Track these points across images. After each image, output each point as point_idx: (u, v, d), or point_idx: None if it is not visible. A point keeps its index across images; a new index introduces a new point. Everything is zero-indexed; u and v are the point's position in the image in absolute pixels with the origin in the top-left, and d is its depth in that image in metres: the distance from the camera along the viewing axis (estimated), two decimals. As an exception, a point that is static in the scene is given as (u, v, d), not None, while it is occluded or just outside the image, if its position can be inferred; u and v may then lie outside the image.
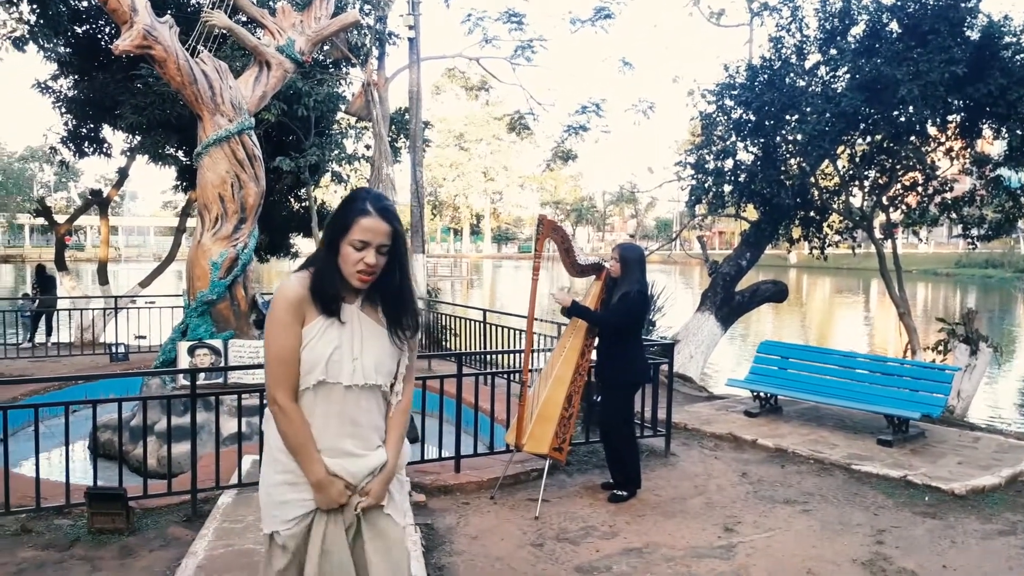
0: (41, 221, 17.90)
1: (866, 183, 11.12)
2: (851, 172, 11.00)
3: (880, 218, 11.23)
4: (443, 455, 5.90)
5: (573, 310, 5.33)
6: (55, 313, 13.83)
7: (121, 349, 10.69)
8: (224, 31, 8.22)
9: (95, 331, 13.40)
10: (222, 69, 7.68)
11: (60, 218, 18.60)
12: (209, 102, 7.47)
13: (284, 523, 2.19)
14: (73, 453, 5.08)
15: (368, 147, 16.12)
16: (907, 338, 10.60)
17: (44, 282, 14.53)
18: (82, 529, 4.55)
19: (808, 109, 9.67)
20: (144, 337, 11.71)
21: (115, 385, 7.89)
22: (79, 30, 13.42)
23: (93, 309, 13.48)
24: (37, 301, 13.70)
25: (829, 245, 11.61)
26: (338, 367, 2.14)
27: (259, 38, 8.55)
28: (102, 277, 15.98)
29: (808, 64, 10.46)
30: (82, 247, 64.07)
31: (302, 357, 2.14)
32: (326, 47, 13.74)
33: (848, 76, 9.85)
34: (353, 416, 2.19)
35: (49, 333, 13.74)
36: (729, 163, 10.92)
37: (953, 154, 10.40)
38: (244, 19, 10.37)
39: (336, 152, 14.85)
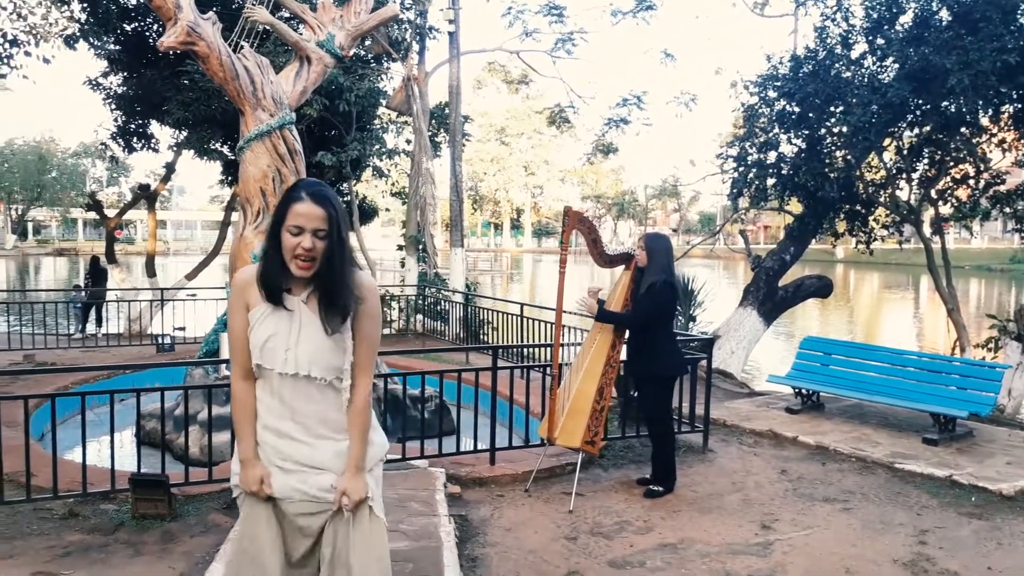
0: (93, 215, 18.39)
1: (914, 176, 10.84)
2: (898, 164, 10.73)
3: (928, 212, 10.94)
4: (478, 447, 5.91)
5: (600, 317, 5.31)
6: (104, 304, 14.19)
7: (167, 340, 10.93)
8: (266, 27, 8.32)
9: (143, 323, 13.73)
10: (263, 64, 7.78)
11: (110, 212, 19.08)
12: (251, 97, 7.57)
13: (235, 486, 2.39)
14: (119, 441, 5.20)
15: (408, 142, 16.21)
16: (956, 335, 10.32)
17: (97, 273, 14.93)
18: (126, 514, 4.67)
19: (853, 100, 9.45)
20: (183, 329, 11.94)
21: (160, 375, 8.08)
22: (128, 27, 13.73)
23: (141, 301, 13.80)
24: (87, 292, 14.08)
25: (875, 239, 11.35)
26: (272, 354, 2.21)
27: (300, 33, 8.63)
28: (150, 270, 16.36)
29: (854, 54, 10.22)
30: (133, 240, 65.71)
31: (249, 339, 2.25)
32: (367, 42, 13.85)
33: (895, 66, 9.61)
34: (292, 403, 2.25)
35: (99, 324, 14.12)
36: (772, 155, 10.74)
37: (1006, 145, 10.09)
38: (286, 15, 10.50)
39: (377, 147, 14.96)
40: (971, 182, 10.49)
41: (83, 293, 14.09)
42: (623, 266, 5.59)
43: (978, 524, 4.86)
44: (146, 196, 16.90)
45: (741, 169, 10.87)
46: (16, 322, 12.02)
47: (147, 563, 4.06)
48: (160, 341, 10.95)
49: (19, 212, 62.18)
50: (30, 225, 70.18)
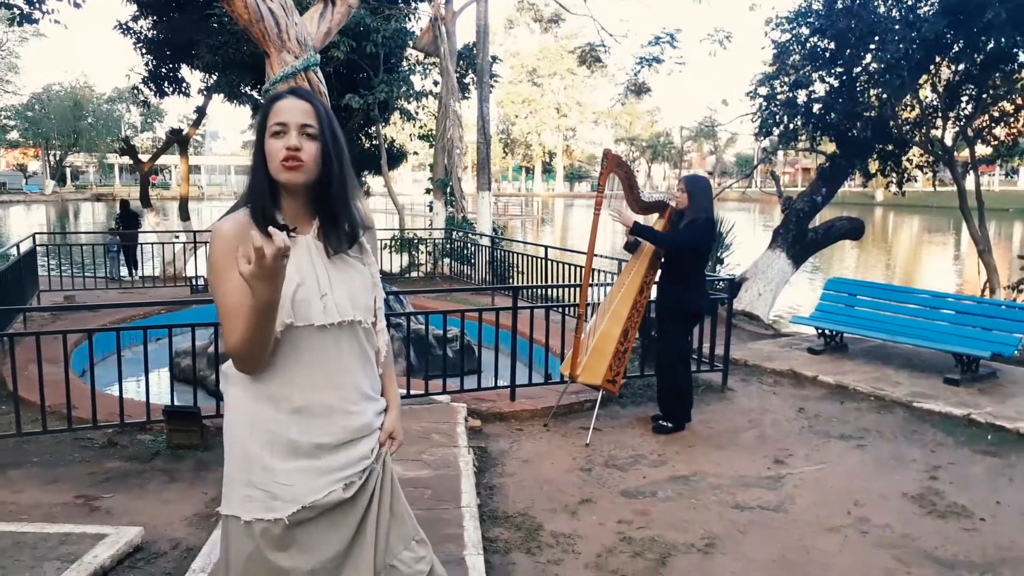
0: (127, 160, 18.69)
1: (950, 115, 10.56)
2: (934, 103, 10.46)
3: (964, 152, 10.69)
4: (499, 384, 6.06)
5: (636, 230, 5.25)
6: (138, 247, 14.51)
7: (201, 282, 11.20)
8: (289, -33, 8.28)
9: (177, 266, 14.05)
10: (287, 6, 7.77)
11: (144, 157, 19.36)
12: (276, 39, 7.60)
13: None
14: (154, 378, 5.42)
15: (436, 83, 16.12)
16: (987, 277, 10.18)
17: (127, 217, 15.23)
18: (161, 444, 4.91)
19: (889, 36, 9.19)
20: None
21: (194, 315, 8.31)
22: (155, -30, 13.76)
23: (176, 243, 14.11)
24: (118, 236, 14.40)
25: (908, 180, 11.13)
26: (305, 306, 1.75)
27: (323, -27, 8.58)
28: (183, 213, 16.67)
29: (891, -12, 9.90)
30: (168, 185, 66.56)
31: None
32: (393, -19, 13.69)
33: (932, 0, 9.29)
34: (333, 363, 1.81)
35: (134, 267, 14.45)
36: (803, 95, 10.52)
37: (1048, 82, 9.77)
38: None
39: (404, 89, 14.92)
40: (1010, 120, 10.21)
41: (115, 236, 14.41)
42: (657, 214, 5.60)
43: (992, 461, 4.90)
44: (178, 140, 17.11)
45: (771, 108, 10.67)
46: (56, 265, 12.38)
47: (182, 489, 4.29)
48: (195, 283, 11.23)
49: (57, 158, 63.17)
50: (68, 171, 71.34)
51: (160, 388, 7.04)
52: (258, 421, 1.77)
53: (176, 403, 5.21)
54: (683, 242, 5.22)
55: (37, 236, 10.73)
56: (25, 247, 9.66)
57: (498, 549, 3.61)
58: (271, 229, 1.52)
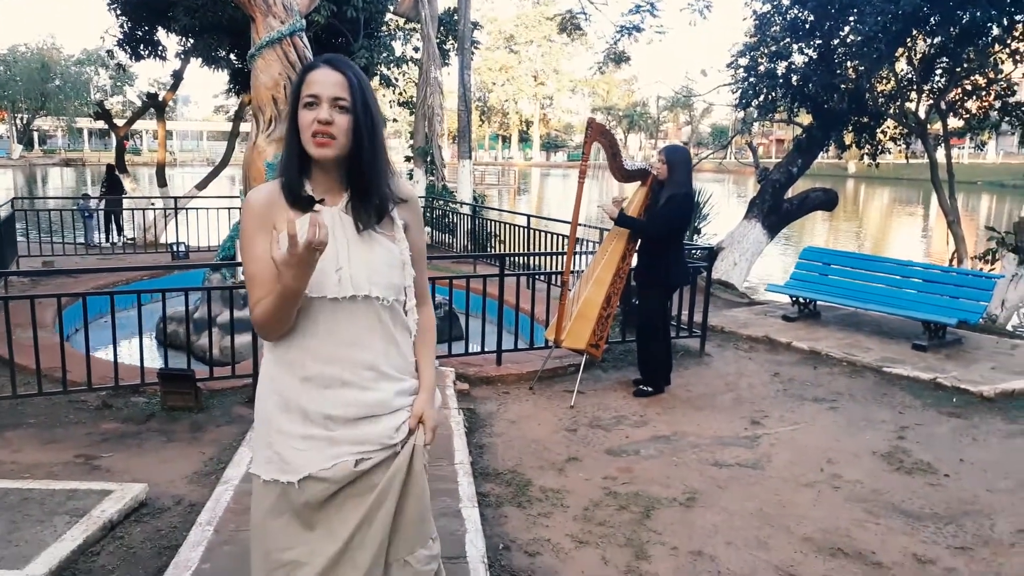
0: (100, 125, 18.42)
1: (924, 87, 10.77)
2: (909, 76, 10.66)
3: (936, 124, 10.93)
4: (485, 349, 6.20)
5: (620, 221, 5.47)
6: (121, 214, 14.43)
7: (182, 248, 11.19)
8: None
9: (156, 231, 13.97)
10: (271, -30, 7.72)
11: (118, 122, 19.07)
12: (261, 3, 7.56)
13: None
14: (143, 342, 5.48)
15: (416, 49, 16.03)
16: (955, 247, 10.48)
17: (112, 182, 15.10)
18: (156, 406, 5.00)
19: (867, 9, 9.33)
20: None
21: (180, 280, 8.34)
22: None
23: (154, 209, 14.01)
24: (104, 201, 14.27)
25: (882, 152, 11.37)
26: (321, 277, 1.71)
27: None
28: (160, 179, 16.51)
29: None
30: (139, 151, 65.45)
31: None
32: (373, -54, 13.54)
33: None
34: (347, 337, 1.78)
35: (120, 232, 14.39)
36: (782, 66, 10.66)
37: (1018, 56, 9.98)
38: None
39: (385, 55, 14.83)
40: (982, 94, 10.44)
41: (97, 201, 14.28)
42: (639, 182, 5.73)
43: (956, 422, 5.15)
44: (154, 105, 16.88)
45: (751, 79, 10.81)
46: (29, 230, 12.27)
47: (179, 448, 4.40)
48: (175, 249, 11.21)
49: (24, 121, 61.78)
50: (35, 135, 69.81)
51: (149, 351, 7.09)
52: (276, 385, 1.81)
53: (169, 366, 5.29)
54: (665, 226, 5.38)
55: (15, 201, 10.62)
56: (4, 212, 9.58)
57: (490, 503, 3.77)
58: (317, 218, 1.55)
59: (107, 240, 14.02)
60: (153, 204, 15.08)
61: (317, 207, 1.68)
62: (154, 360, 6.98)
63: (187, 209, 12.71)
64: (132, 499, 3.53)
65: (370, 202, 1.79)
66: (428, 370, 1.96)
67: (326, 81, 1.72)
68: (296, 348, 1.78)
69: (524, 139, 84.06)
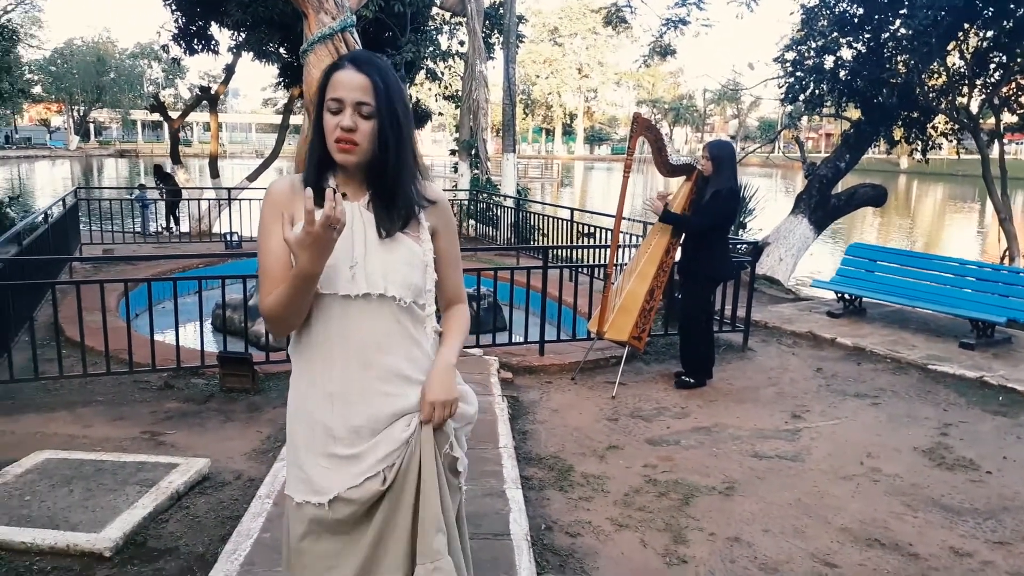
0: (155, 117, 18.95)
1: (977, 82, 10.58)
2: (961, 70, 10.48)
3: (990, 120, 10.73)
4: (528, 340, 6.33)
5: (664, 218, 5.55)
6: (178, 204, 14.98)
7: (235, 238, 11.52)
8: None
9: (209, 221, 14.38)
10: (324, -33, 7.92)
11: (172, 114, 19.61)
12: (314, 0, 7.77)
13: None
14: (197, 327, 5.74)
15: (462, 43, 16.19)
16: (1007, 245, 10.30)
17: (164, 179, 15.68)
18: (215, 387, 5.24)
19: (918, 3, 9.21)
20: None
21: (235, 268, 8.62)
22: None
23: (208, 200, 14.43)
24: (163, 194, 14.87)
25: (932, 148, 11.19)
26: (333, 273, 1.66)
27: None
28: (213, 171, 16.95)
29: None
30: (189, 143, 66.88)
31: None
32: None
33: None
34: (365, 338, 1.70)
35: (177, 223, 14.94)
36: (829, 60, 10.56)
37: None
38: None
39: (431, 49, 15.04)
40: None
41: (155, 193, 14.80)
42: (684, 176, 5.79)
43: (1001, 420, 5.13)
44: (208, 98, 17.32)
45: (797, 74, 10.74)
46: (88, 218, 12.76)
47: (237, 427, 4.62)
48: (228, 239, 11.55)
49: (80, 113, 63.62)
50: (91, 126, 71.83)
51: (208, 336, 7.38)
52: (302, 403, 1.75)
53: (227, 350, 5.53)
54: (711, 222, 5.44)
55: (79, 192, 11.05)
56: (70, 202, 9.99)
57: (533, 486, 3.91)
58: (335, 195, 1.51)
59: (165, 227, 14.54)
60: (202, 194, 15.56)
61: (336, 191, 1.60)
62: (212, 344, 7.25)
63: (240, 200, 13.07)
64: (196, 472, 3.74)
65: (394, 206, 1.72)
66: (444, 348, 1.82)
67: (350, 84, 1.65)
68: (318, 359, 1.71)
69: (568, 132, 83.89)
